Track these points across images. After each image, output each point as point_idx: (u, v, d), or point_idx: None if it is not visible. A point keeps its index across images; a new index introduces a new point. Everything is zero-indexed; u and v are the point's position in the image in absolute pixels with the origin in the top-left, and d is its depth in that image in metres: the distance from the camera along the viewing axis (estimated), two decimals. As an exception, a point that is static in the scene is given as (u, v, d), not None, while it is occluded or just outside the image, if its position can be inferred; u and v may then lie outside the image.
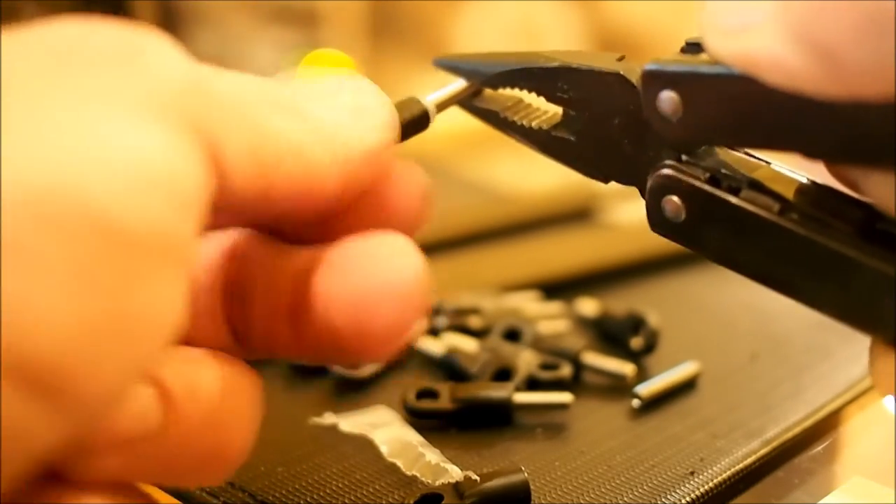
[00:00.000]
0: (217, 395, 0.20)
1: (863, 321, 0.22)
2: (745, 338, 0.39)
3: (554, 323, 0.39)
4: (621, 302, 0.39)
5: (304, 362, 0.34)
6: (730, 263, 0.24)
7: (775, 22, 0.19)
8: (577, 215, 0.56)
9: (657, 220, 0.24)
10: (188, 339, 0.20)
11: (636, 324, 0.37)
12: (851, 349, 0.38)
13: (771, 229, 0.22)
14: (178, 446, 0.19)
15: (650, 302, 0.40)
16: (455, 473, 0.27)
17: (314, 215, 0.22)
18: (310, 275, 0.21)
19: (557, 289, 0.43)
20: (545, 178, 0.80)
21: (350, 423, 0.30)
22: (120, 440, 0.18)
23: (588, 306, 0.40)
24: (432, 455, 0.28)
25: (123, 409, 0.18)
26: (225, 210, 0.19)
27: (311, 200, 0.21)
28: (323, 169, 0.21)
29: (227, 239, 0.23)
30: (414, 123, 0.25)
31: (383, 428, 0.30)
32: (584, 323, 0.40)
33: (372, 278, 0.21)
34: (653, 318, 0.37)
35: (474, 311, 0.39)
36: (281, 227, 0.23)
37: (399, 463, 0.28)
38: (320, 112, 0.21)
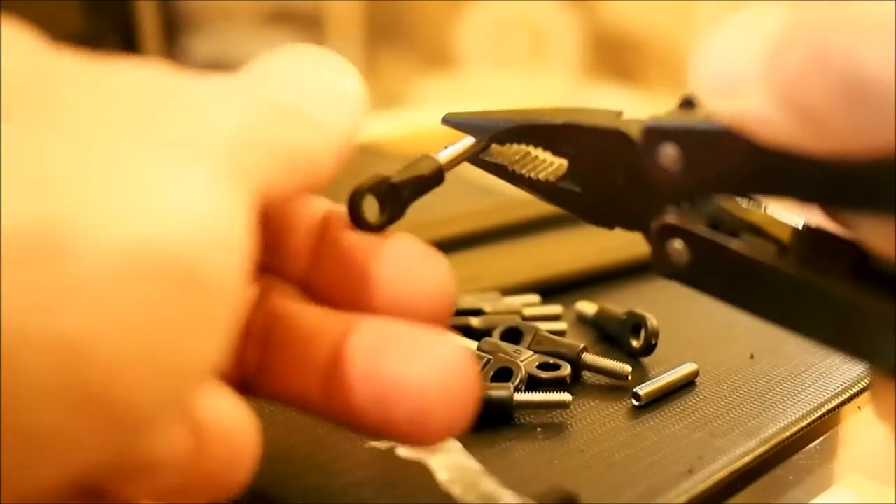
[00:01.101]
0: (238, 435, 0.21)
1: (861, 353, 0.23)
2: (744, 337, 0.39)
3: (554, 324, 0.39)
4: (621, 302, 0.40)
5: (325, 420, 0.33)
6: (734, 303, 0.25)
7: (761, 85, 0.20)
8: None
9: (662, 264, 0.26)
10: None
11: (636, 324, 0.37)
12: (850, 349, 0.38)
13: (769, 272, 0.23)
14: (197, 478, 0.20)
15: (650, 302, 0.40)
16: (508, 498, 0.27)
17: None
18: (354, 351, 0.23)
19: (557, 290, 0.43)
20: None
21: (407, 447, 0.29)
22: (150, 466, 0.19)
23: (588, 307, 0.40)
24: (488, 484, 0.28)
25: (160, 438, 0.19)
26: None
27: (309, 191, 0.23)
28: (325, 165, 0.22)
29: (253, 283, 0.24)
30: (429, 179, 0.27)
31: (441, 454, 0.29)
32: (583, 323, 0.40)
33: (438, 377, 0.22)
34: (652, 319, 0.37)
35: (475, 312, 0.39)
36: (309, 284, 0.24)
37: (455, 490, 0.28)
38: (318, 108, 0.22)
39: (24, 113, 0.17)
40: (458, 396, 0.22)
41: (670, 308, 0.42)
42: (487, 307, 0.39)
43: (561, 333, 0.38)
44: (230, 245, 0.18)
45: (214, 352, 0.18)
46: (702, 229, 0.25)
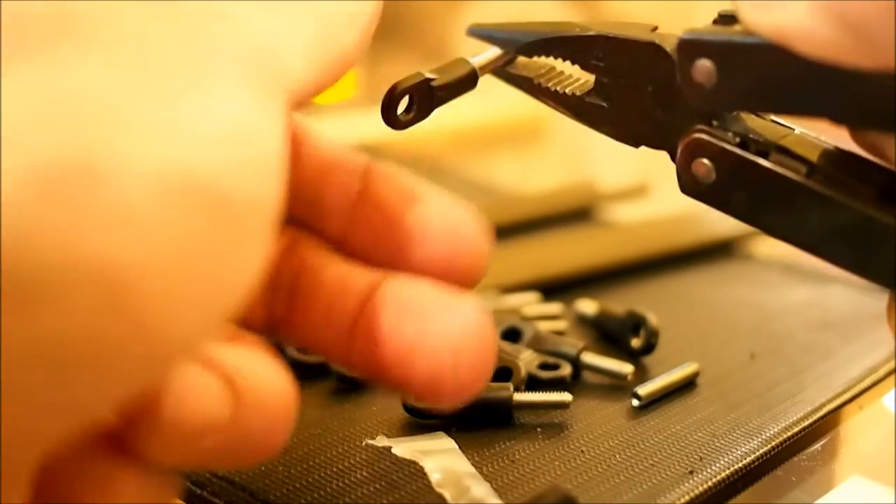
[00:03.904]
0: (275, 397, 0.21)
1: (882, 277, 0.23)
2: (745, 337, 0.39)
3: (554, 323, 0.39)
4: (621, 302, 0.39)
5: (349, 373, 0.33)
6: (756, 223, 0.25)
7: None
8: (577, 215, 0.56)
9: (687, 182, 0.26)
10: None
11: (636, 324, 0.37)
12: (851, 349, 0.38)
13: (798, 190, 0.23)
14: (236, 440, 0.20)
15: (650, 302, 0.40)
16: None
17: None
18: (381, 308, 0.23)
19: (557, 289, 0.43)
20: (545, 178, 0.80)
21: (403, 448, 0.30)
22: (191, 430, 0.19)
23: (588, 306, 0.40)
24: (479, 488, 0.28)
25: (201, 401, 0.19)
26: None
27: (343, 74, 0.22)
28: (352, 47, 0.22)
29: (282, 231, 0.24)
30: (464, 81, 0.27)
31: (435, 455, 0.29)
32: (583, 323, 0.40)
33: (455, 339, 0.22)
34: (653, 318, 0.37)
35: (474, 310, 0.39)
36: (345, 241, 0.24)
37: (447, 494, 0.27)
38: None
39: (46, 44, 0.17)
40: (474, 358, 0.22)
41: (670, 308, 0.42)
42: (487, 306, 0.39)
43: (561, 333, 0.38)
44: (265, 168, 0.18)
45: (249, 277, 0.18)
46: (731, 147, 0.24)
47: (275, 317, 0.24)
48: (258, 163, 0.18)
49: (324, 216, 0.24)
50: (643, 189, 0.58)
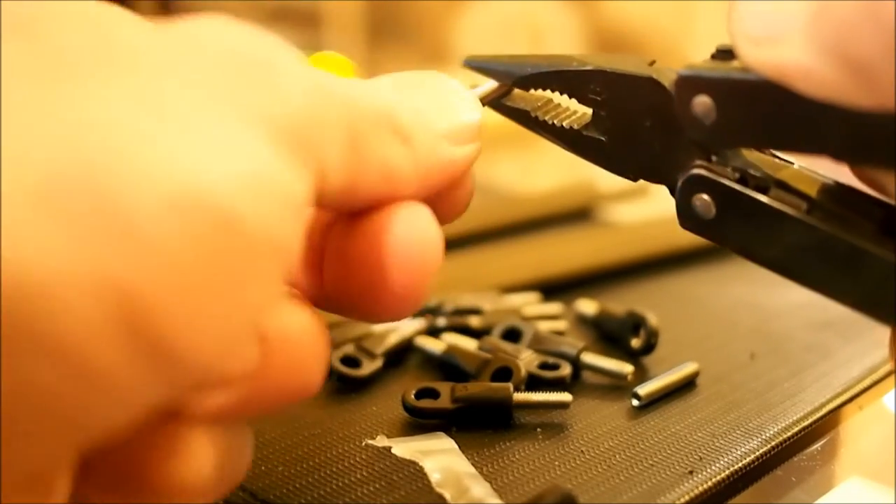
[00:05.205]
0: (303, 339, 0.21)
1: (884, 313, 0.23)
2: (745, 337, 0.39)
3: (554, 323, 0.39)
4: (621, 302, 0.40)
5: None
6: (757, 258, 0.25)
7: (806, 34, 0.19)
8: (577, 215, 0.56)
9: (687, 217, 0.26)
10: None
11: (636, 324, 0.37)
12: (851, 349, 0.38)
13: (798, 226, 0.23)
14: (269, 386, 0.20)
15: (650, 302, 0.40)
16: None
17: None
18: (333, 230, 0.23)
19: (557, 289, 0.43)
20: (545, 178, 0.80)
21: (403, 448, 0.30)
22: (226, 380, 0.19)
23: (588, 306, 0.40)
24: (479, 488, 0.28)
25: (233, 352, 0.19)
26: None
27: (390, 200, 0.23)
28: (406, 180, 0.23)
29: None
30: None
31: (435, 455, 0.29)
32: (583, 323, 0.40)
33: (386, 241, 0.22)
34: (652, 318, 0.37)
35: (474, 311, 0.39)
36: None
37: (447, 494, 0.27)
38: (416, 126, 0.23)
39: (81, 72, 0.17)
40: (406, 267, 0.22)
41: (670, 308, 0.42)
42: (487, 306, 0.39)
43: (561, 333, 0.38)
44: (280, 200, 0.18)
45: (265, 300, 0.19)
46: (731, 182, 0.24)
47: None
48: (275, 200, 0.18)
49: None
50: (643, 189, 0.58)
